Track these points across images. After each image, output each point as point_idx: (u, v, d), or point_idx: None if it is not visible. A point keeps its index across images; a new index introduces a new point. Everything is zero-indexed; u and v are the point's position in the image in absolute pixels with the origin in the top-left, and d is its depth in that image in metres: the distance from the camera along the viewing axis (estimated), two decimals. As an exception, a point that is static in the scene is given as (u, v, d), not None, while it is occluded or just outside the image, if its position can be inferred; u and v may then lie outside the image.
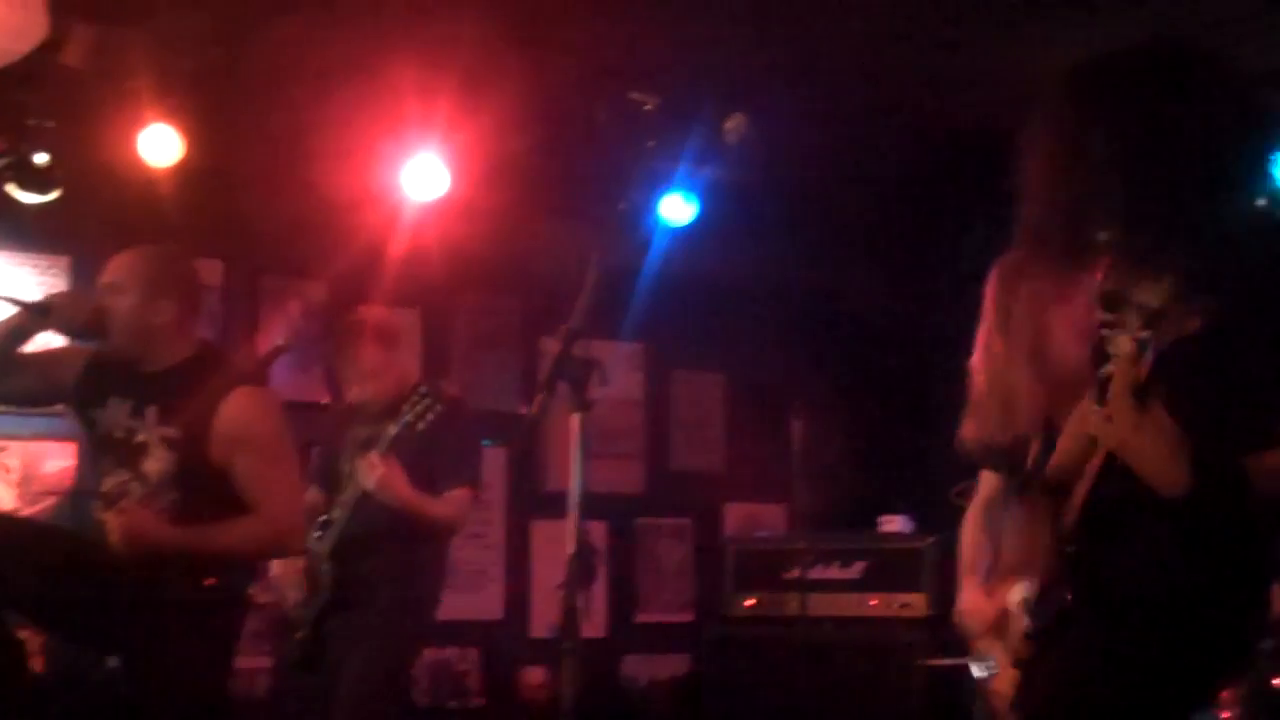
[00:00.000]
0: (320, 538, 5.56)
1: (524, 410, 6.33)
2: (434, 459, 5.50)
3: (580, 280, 3.71)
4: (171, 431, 4.51)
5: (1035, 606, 3.11)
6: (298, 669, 5.61)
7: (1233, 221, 2.83)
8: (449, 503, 5.60)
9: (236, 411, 4.51)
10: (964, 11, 6.31)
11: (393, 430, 5.28)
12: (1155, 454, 2.73)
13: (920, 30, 6.51)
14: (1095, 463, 2.87)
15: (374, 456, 5.31)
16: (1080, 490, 2.91)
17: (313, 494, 5.78)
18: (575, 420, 3.61)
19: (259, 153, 7.14)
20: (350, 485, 5.49)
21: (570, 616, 3.62)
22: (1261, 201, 2.95)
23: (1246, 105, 2.90)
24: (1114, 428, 2.76)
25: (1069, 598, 2.94)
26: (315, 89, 6.58)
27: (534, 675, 7.95)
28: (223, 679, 4.63)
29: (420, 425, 5.25)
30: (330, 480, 5.75)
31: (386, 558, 5.54)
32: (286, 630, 5.68)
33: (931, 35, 6.57)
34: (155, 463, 4.51)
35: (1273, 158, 2.98)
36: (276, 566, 5.65)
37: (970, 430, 4.02)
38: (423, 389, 5.34)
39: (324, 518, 5.61)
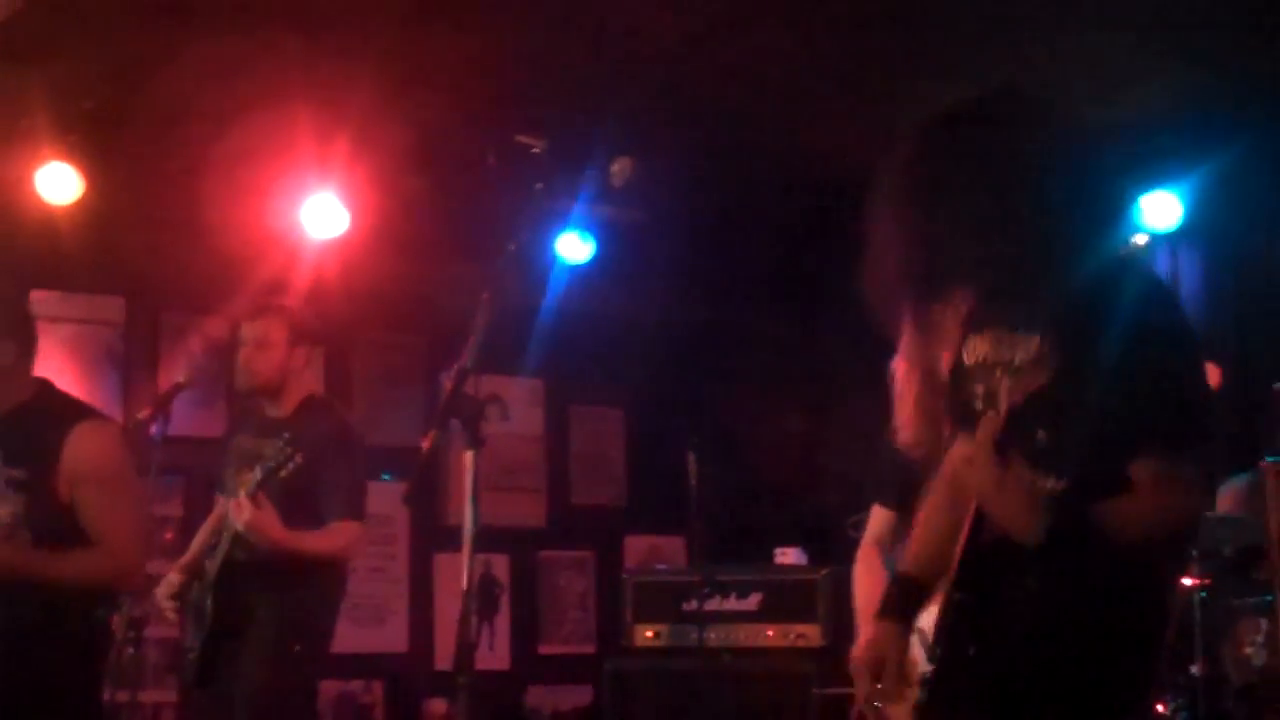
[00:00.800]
0: (210, 559, 5.56)
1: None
2: (319, 490, 5.46)
3: (490, 318, 3.77)
4: (18, 473, 4.47)
5: (930, 651, 3.10)
6: (194, 686, 5.62)
7: (1088, 271, 2.87)
8: (333, 535, 5.54)
9: (81, 447, 4.49)
10: (846, 61, 6.46)
11: (258, 473, 5.21)
12: (1012, 507, 2.79)
13: (803, 77, 6.66)
14: (968, 517, 2.91)
15: (243, 499, 5.24)
16: (960, 539, 2.94)
17: (220, 504, 5.76)
18: (468, 457, 3.64)
19: (159, 190, 7.18)
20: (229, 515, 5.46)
21: (464, 650, 3.66)
22: (1121, 246, 3.03)
23: (1095, 155, 2.95)
24: (978, 482, 2.83)
25: (968, 649, 2.93)
26: (213, 128, 6.63)
27: (437, 706, 8.00)
28: (89, 709, 4.64)
29: (283, 473, 5.21)
30: (226, 490, 5.69)
31: (268, 587, 5.48)
32: (183, 649, 5.72)
33: (812, 81, 6.72)
34: (5, 505, 4.46)
35: (1125, 205, 3.06)
36: (163, 589, 5.68)
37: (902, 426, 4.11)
38: (286, 436, 5.27)
39: (215, 539, 5.59)
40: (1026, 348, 2.91)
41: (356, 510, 5.63)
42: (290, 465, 5.19)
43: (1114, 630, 2.89)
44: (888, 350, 4.15)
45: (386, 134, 6.74)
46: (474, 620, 7.77)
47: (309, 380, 5.88)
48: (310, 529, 5.48)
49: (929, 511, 3.26)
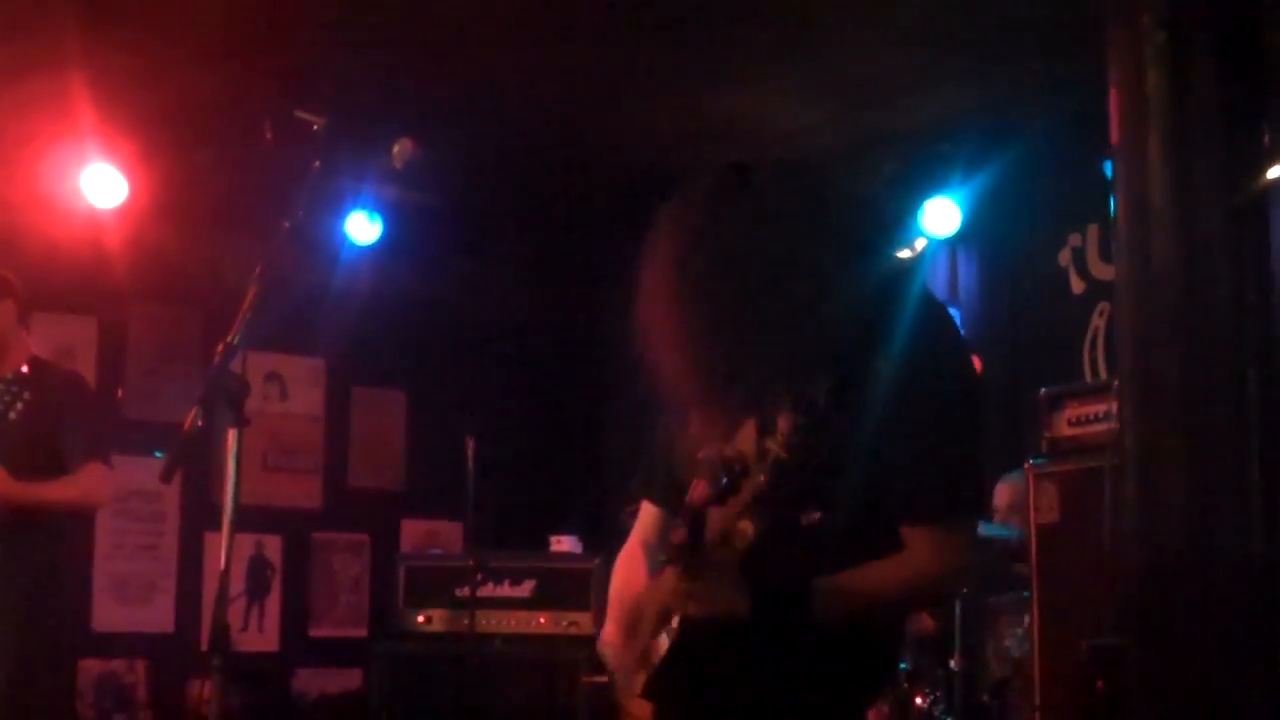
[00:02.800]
0: None
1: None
2: (58, 437, 5.20)
3: (263, 294, 3.70)
4: None
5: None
6: None
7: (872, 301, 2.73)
8: (79, 481, 5.25)
9: None
10: (640, 60, 6.51)
11: None
12: (714, 594, 2.66)
13: (589, 70, 6.71)
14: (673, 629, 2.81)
15: None
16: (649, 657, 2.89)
17: None
18: (231, 435, 3.58)
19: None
20: None
21: (219, 631, 3.60)
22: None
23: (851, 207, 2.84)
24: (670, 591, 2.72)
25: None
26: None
27: (199, 688, 7.87)
28: None
29: (12, 415, 4.97)
30: None
31: (11, 553, 5.19)
32: None
33: (597, 76, 6.76)
34: None
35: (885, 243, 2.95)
36: None
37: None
38: (9, 377, 5.05)
39: None
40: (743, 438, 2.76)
41: (102, 452, 5.35)
42: (18, 405, 4.95)
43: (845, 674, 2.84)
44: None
45: (167, 104, 6.62)
46: (243, 600, 7.70)
47: (30, 342, 5.48)
48: (49, 479, 5.21)
49: (621, 586, 3.24)
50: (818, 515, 2.71)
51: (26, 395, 5.01)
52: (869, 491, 2.69)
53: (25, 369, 5.30)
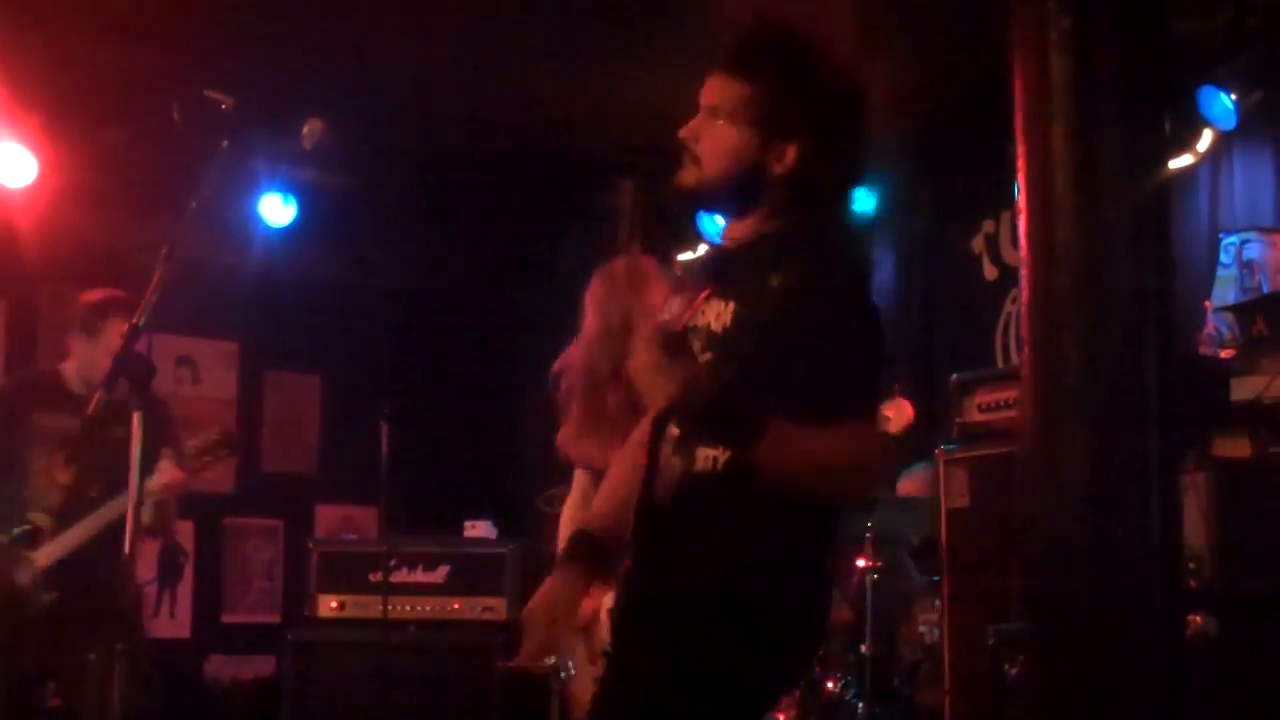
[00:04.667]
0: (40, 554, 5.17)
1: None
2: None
3: (170, 276, 3.66)
4: None
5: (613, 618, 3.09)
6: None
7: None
8: None
9: None
10: (549, 37, 6.50)
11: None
12: (654, 376, 2.71)
13: (497, 49, 6.69)
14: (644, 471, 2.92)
15: (165, 462, 5.07)
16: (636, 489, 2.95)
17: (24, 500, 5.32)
18: (136, 419, 3.54)
19: None
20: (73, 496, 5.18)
21: (121, 616, 3.57)
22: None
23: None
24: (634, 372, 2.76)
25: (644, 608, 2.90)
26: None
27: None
28: None
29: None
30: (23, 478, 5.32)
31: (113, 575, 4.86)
32: None
33: (506, 59, 6.75)
34: None
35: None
36: None
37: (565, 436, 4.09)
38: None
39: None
40: (721, 313, 2.89)
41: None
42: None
43: (793, 579, 2.89)
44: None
45: (76, 82, 6.54)
46: (155, 587, 7.62)
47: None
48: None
49: (613, 473, 3.25)
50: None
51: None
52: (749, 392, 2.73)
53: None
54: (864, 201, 7.50)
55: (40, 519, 5.18)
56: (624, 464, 3.21)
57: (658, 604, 2.89)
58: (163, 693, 7.39)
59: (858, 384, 2.80)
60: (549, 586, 3.10)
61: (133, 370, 3.59)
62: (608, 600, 3.46)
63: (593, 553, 3.12)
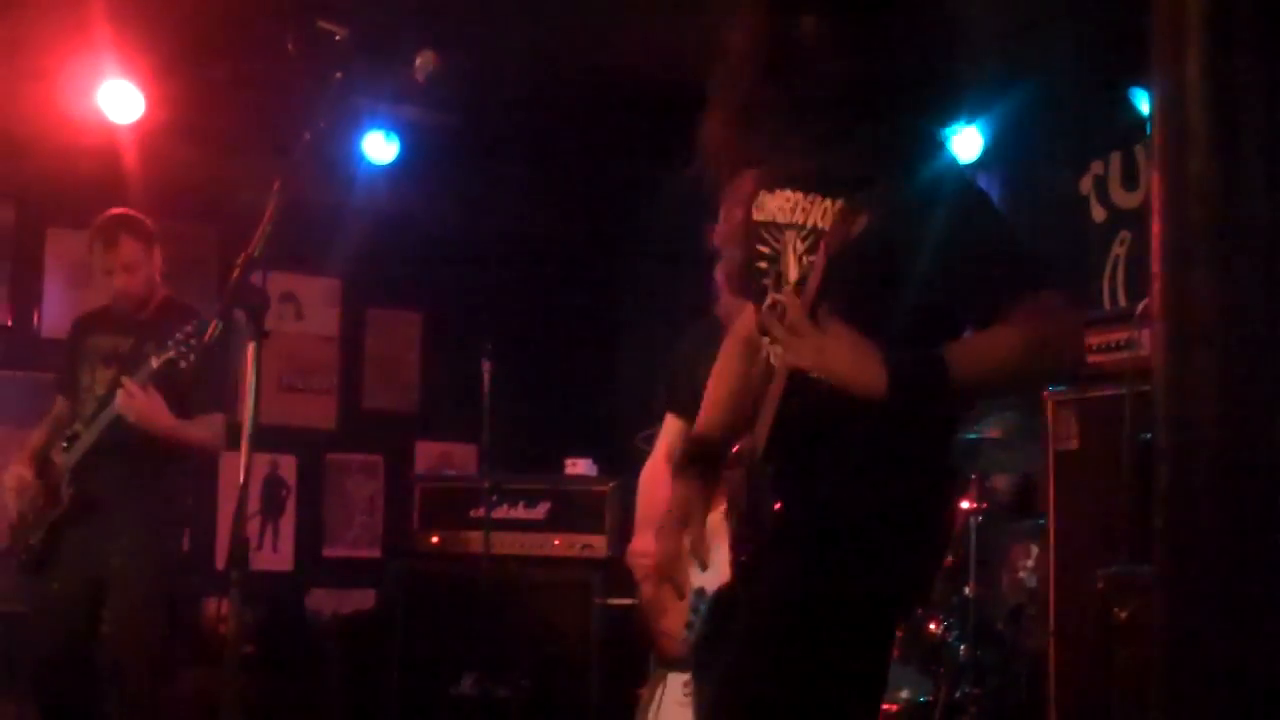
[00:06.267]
0: (66, 450, 5.51)
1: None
2: (189, 381, 5.41)
3: (281, 210, 3.67)
4: None
5: (737, 537, 3.03)
6: (28, 573, 5.56)
7: (898, 139, 2.80)
8: (207, 426, 5.58)
9: None
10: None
11: (154, 363, 5.20)
12: (848, 363, 2.67)
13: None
14: (776, 388, 2.84)
15: (133, 385, 5.25)
16: (765, 416, 2.88)
17: (59, 403, 5.79)
18: (250, 349, 3.56)
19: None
20: (99, 406, 5.45)
21: (237, 548, 3.59)
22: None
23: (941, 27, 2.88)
24: (796, 355, 2.71)
25: (776, 519, 2.86)
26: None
27: (215, 606, 7.89)
28: None
29: (184, 364, 5.19)
30: (71, 390, 5.71)
31: (135, 477, 5.50)
32: (17, 536, 5.61)
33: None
34: None
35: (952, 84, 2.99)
36: (8, 480, 5.62)
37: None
38: (189, 329, 5.21)
39: (70, 431, 5.55)
40: (823, 211, 2.84)
41: (224, 403, 5.64)
42: (192, 355, 5.17)
43: (935, 489, 2.91)
44: (685, 266, 4.13)
45: (183, 18, 6.56)
46: (258, 519, 7.74)
47: (161, 285, 5.87)
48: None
49: (720, 373, 3.22)
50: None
51: (193, 357, 5.20)
52: (927, 290, 2.73)
53: (165, 312, 5.64)
54: (970, 143, 7.42)
55: (79, 427, 5.53)
56: (730, 362, 3.19)
57: (804, 518, 2.85)
58: (266, 623, 7.53)
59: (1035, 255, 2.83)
60: (674, 496, 3.08)
61: (248, 301, 3.61)
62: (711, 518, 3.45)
63: (708, 459, 3.10)
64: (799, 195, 2.92)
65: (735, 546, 3.02)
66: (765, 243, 2.98)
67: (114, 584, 5.43)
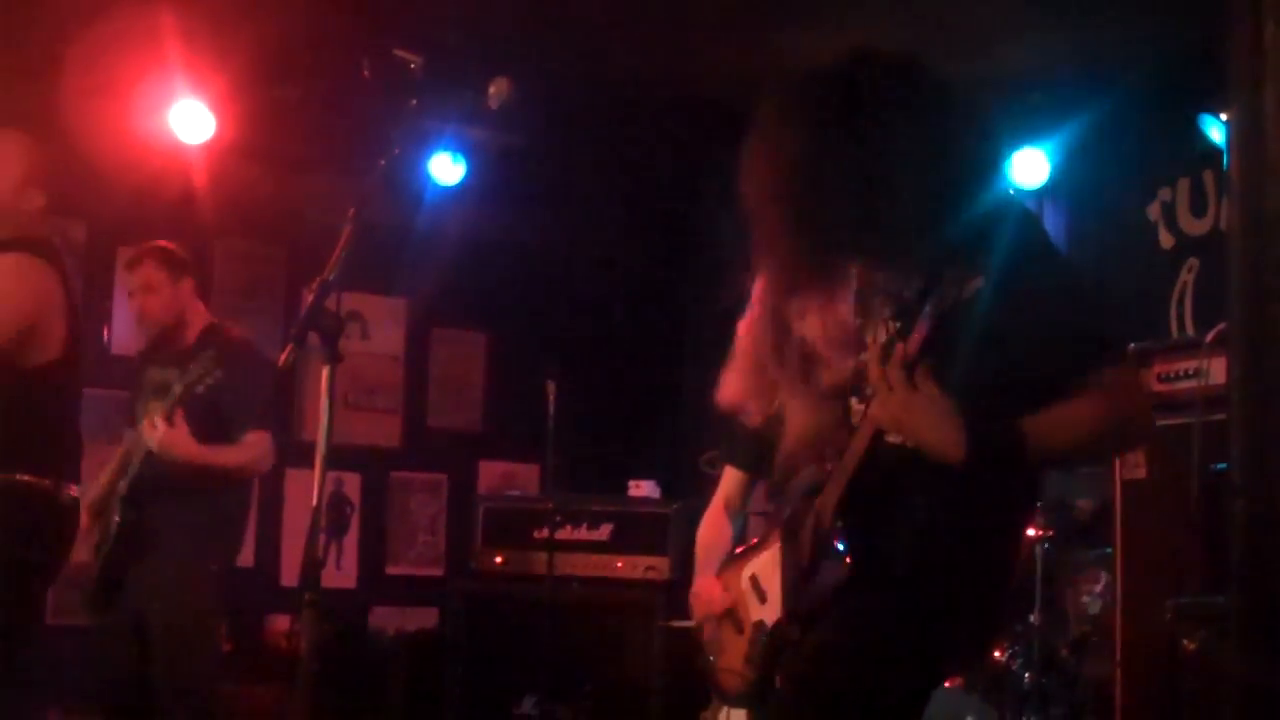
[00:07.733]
0: (123, 483, 5.58)
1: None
2: (226, 403, 5.47)
3: (356, 235, 3.72)
4: None
5: (798, 585, 3.10)
6: (88, 611, 5.64)
7: (976, 211, 2.82)
8: (245, 449, 5.61)
9: None
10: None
11: (177, 389, 5.27)
12: (932, 425, 2.74)
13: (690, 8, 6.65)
14: (859, 443, 2.90)
15: (156, 418, 5.32)
16: (842, 472, 2.93)
17: (127, 437, 5.84)
18: (325, 372, 3.60)
19: (17, 92, 7.00)
20: (140, 437, 5.53)
21: (310, 567, 3.62)
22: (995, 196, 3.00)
23: (975, 114, 2.92)
24: (884, 409, 2.78)
25: (846, 571, 2.92)
26: (72, 26, 6.48)
27: (281, 623, 7.94)
28: None
29: (200, 388, 5.24)
30: (134, 423, 5.75)
31: (181, 506, 5.54)
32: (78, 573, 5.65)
33: (699, 14, 6.70)
34: None
35: (1003, 157, 3.04)
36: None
37: (728, 387, 4.07)
38: (209, 352, 5.30)
39: (126, 463, 5.64)
40: (908, 280, 2.88)
41: (267, 421, 5.69)
42: (210, 379, 5.23)
43: (1005, 547, 2.98)
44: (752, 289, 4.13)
45: (255, 40, 6.63)
46: (323, 538, 7.79)
47: (204, 310, 5.94)
48: (222, 444, 5.54)
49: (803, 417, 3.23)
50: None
51: (218, 374, 5.25)
52: (996, 374, 2.77)
53: (204, 340, 5.67)
54: (1037, 167, 7.41)
55: (133, 460, 5.60)
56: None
57: (869, 568, 2.91)
58: (329, 641, 7.57)
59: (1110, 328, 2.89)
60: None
61: (323, 325, 3.64)
62: (751, 568, 3.49)
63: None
64: (887, 274, 2.97)
65: (791, 595, 3.10)
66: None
67: (159, 614, 5.49)
